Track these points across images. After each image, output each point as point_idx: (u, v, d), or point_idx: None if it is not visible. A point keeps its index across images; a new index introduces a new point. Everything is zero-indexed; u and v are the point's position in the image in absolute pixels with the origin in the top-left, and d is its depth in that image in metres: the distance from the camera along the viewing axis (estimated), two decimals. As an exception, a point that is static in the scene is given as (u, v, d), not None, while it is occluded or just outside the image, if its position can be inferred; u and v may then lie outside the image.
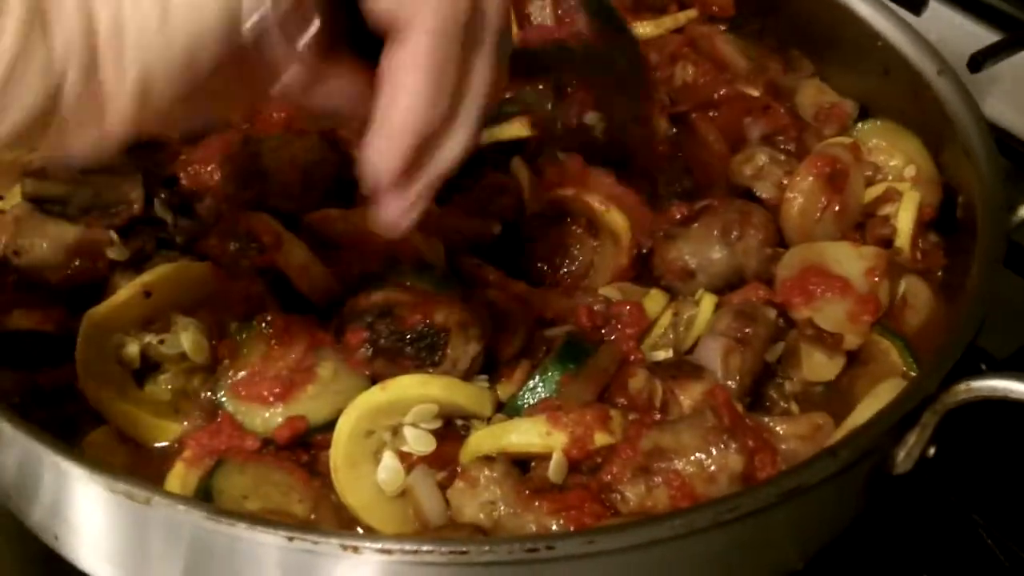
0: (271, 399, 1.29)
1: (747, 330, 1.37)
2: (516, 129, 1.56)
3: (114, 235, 1.41)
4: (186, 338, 1.33)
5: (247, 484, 1.23)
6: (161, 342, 1.34)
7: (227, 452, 1.26)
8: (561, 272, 1.53)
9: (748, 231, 1.49)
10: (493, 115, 1.38)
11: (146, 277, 1.36)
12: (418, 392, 1.26)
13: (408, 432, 1.26)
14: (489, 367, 1.35)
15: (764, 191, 1.57)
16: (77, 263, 1.39)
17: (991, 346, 1.63)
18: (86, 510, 1.17)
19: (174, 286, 1.37)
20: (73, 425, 1.31)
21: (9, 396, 1.30)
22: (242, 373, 1.32)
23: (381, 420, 1.26)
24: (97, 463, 1.14)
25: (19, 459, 1.20)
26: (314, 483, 1.26)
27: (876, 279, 1.44)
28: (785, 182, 1.55)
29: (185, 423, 1.33)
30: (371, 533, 1.23)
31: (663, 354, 1.42)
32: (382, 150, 1.00)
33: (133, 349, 1.33)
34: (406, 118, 0.99)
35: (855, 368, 1.43)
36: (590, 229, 1.54)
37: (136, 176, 1.43)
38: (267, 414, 1.29)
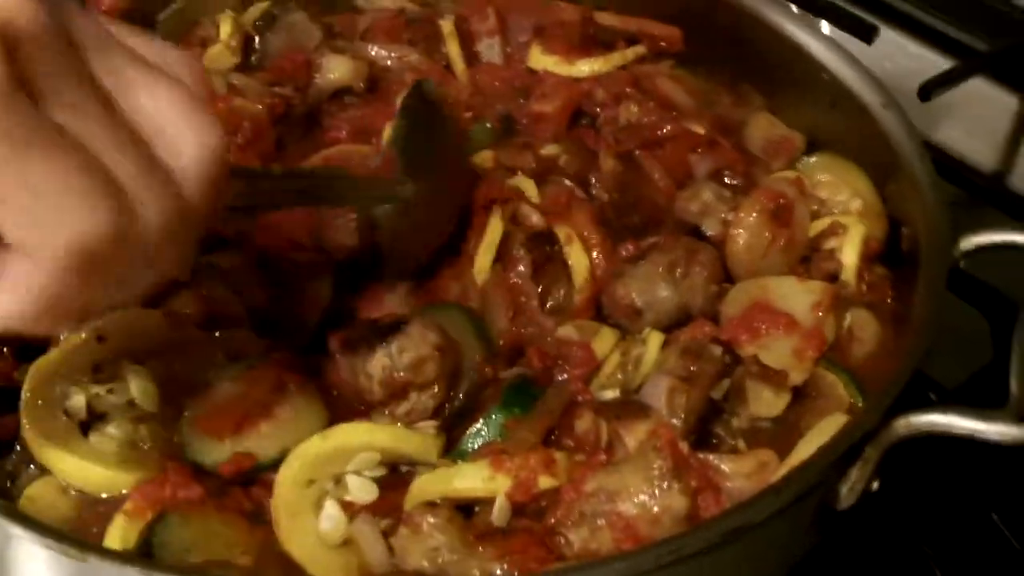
0: (225, 433, 1.29)
1: (693, 368, 1.37)
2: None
3: None
4: (136, 386, 1.32)
5: (190, 537, 1.21)
6: (110, 391, 1.32)
7: (171, 503, 1.25)
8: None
9: (694, 268, 1.50)
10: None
11: (99, 322, 1.34)
12: (361, 440, 1.26)
13: (351, 480, 1.25)
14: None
15: (710, 228, 1.57)
16: None
17: (942, 376, 1.64)
18: (26, 567, 1.16)
19: (127, 333, 1.34)
20: (12, 478, 1.30)
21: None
22: (202, 409, 1.32)
23: (323, 469, 1.25)
24: (33, 519, 1.14)
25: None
26: (257, 533, 1.24)
27: (821, 314, 1.45)
28: (730, 218, 1.56)
29: (132, 474, 1.31)
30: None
31: (611, 393, 1.41)
32: None
33: (79, 400, 1.31)
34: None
35: (802, 402, 1.43)
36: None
37: None
38: (217, 448, 1.29)
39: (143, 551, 1.20)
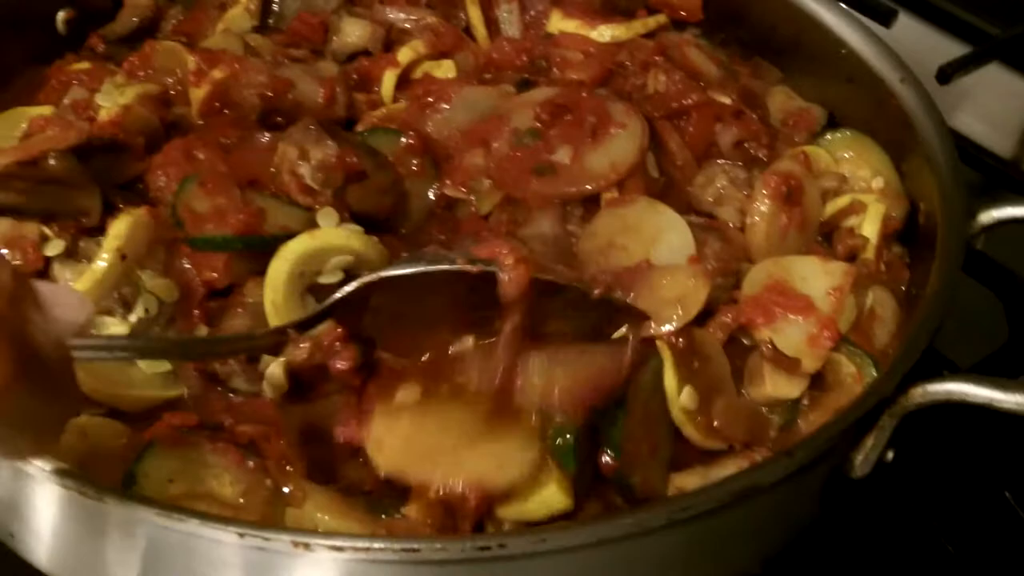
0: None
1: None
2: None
3: (46, 230, 1.41)
4: (157, 287, 1.40)
5: (174, 467, 1.25)
6: (146, 311, 1.39)
7: (162, 432, 1.27)
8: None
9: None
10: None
11: (114, 242, 1.40)
12: (342, 242, 1.43)
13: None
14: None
15: (727, 216, 1.58)
16: (7, 255, 1.39)
17: (958, 357, 1.65)
18: (42, 509, 1.17)
19: (133, 238, 1.41)
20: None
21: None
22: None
23: (308, 264, 1.41)
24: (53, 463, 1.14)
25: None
26: (247, 464, 1.27)
27: (838, 299, 1.43)
28: (745, 207, 1.56)
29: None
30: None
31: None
32: None
33: (120, 330, 1.38)
34: None
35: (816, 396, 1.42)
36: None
37: (93, 187, 1.44)
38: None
39: (127, 481, 1.22)
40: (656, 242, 1.47)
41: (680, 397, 1.32)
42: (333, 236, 1.44)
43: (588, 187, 1.52)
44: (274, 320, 1.37)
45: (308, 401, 1.30)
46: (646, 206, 1.51)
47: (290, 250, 1.41)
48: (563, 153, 1.53)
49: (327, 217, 1.45)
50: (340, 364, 1.26)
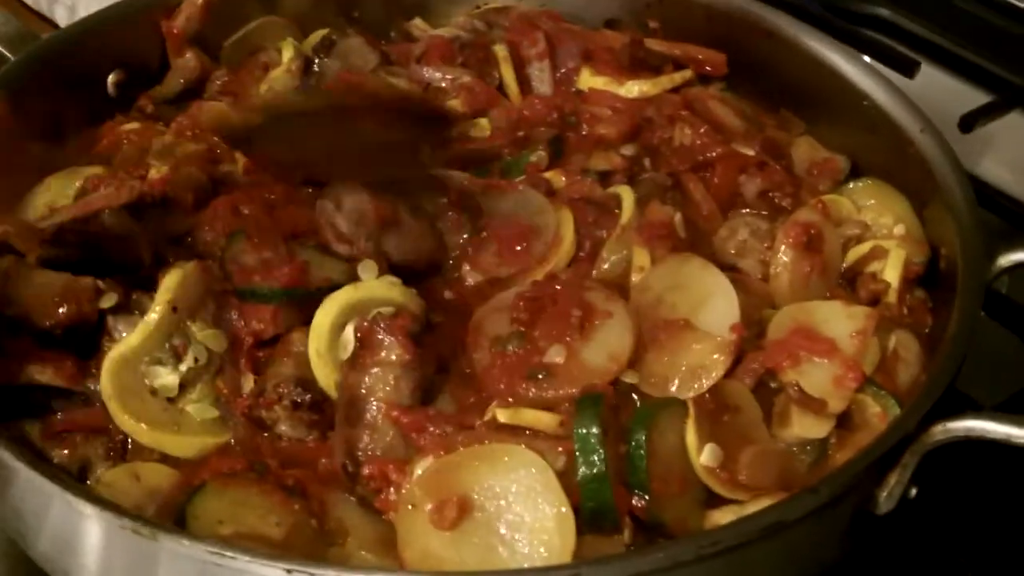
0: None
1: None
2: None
3: (101, 283, 1.46)
4: (204, 335, 1.45)
5: (223, 509, 1.30)
6: (196, 360, 1.45)
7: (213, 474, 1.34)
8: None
9: None
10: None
11: (166, 295, 1.46)
12: (384, 295, 1.47)
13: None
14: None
15: (749, 268, 1.63)
16: (64, 309, 1.43)
17: (981, 397, 1.67)
18: (96, 547, 1.23)
19: (184, 290, 1.47)
20: (86, 466, 1.39)
21: (31, 442, 1.39)
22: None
23: (350, 314, 1.45)
24: (105, 500, 1.21)
25: (34, 498, 1.27)
26: (293, 506, 1.32)
27: (861, 342, 1.47)
28: (767, 258, 1.61)
29: (219, 437, 1.43)
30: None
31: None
32: None
33: (171, 379, 1.43)
34: None
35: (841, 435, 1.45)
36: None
37: (145, 242, 1.50)
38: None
39: (178, 523, 1.27)
40: (703, 304, 1.50)
41: (701, 457, 1.35)
42: (375, 288, 1.48)
43: (592, 384, 1.43)
44: (319, 369, 1.43)
45: None
46: (699, 266, 1.55)
47: (334, 302, 1.46)
48: (555, 353, 1.45)
49: (368, 270, 1.50)
50: None
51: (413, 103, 1.73)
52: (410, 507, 1.27)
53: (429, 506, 1.26)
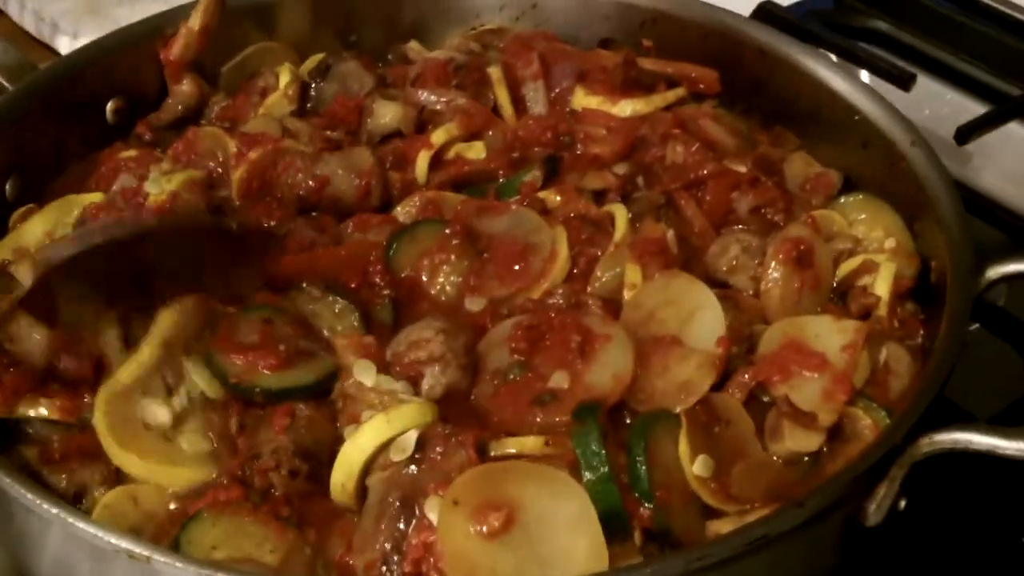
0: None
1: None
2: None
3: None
4: (199, 377, 1.45)
5: (217, 535, 1.31)
6: (189, 396, 1.45)
7: (208, 503, 1.34)
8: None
9: None
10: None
11: (162, 333, 1.47)
12: (418, 420, 1.38)
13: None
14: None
15: (740, 284, 1.63)
16: (63, 364, 1.45)
17: (979, 410, 1.68)
18: (91, 570, 1.26)
19: (180, 328, 1.48)
20: (82, 490, 1.40)
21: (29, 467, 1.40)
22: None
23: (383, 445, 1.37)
24: (101, 523, 1.23)
25: (34, 523, 1.29)
26: (289, 535, 1.33)
27: (852, 356, 1.48)
28: (758, 274, 1.61)
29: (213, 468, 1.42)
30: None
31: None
32: None
33: (163, 413, 1.43)
34: None
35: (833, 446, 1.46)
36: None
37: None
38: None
39: (173, 548, 1.28)
40: (691, 319, 1.51)
41: (693, 466, 1.37)
42: (408, 418, 1.38)
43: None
44: (341, 498, 1.37)
45: None
46: (686, 282, 1.56)
47: (368, 438, 1.36)
48: (559, 379, 1.46)
49: (365, 371, 1.44)
50: None
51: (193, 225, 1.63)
52: (454, 503, 1.27)
53: (470, 508, 1.27)
